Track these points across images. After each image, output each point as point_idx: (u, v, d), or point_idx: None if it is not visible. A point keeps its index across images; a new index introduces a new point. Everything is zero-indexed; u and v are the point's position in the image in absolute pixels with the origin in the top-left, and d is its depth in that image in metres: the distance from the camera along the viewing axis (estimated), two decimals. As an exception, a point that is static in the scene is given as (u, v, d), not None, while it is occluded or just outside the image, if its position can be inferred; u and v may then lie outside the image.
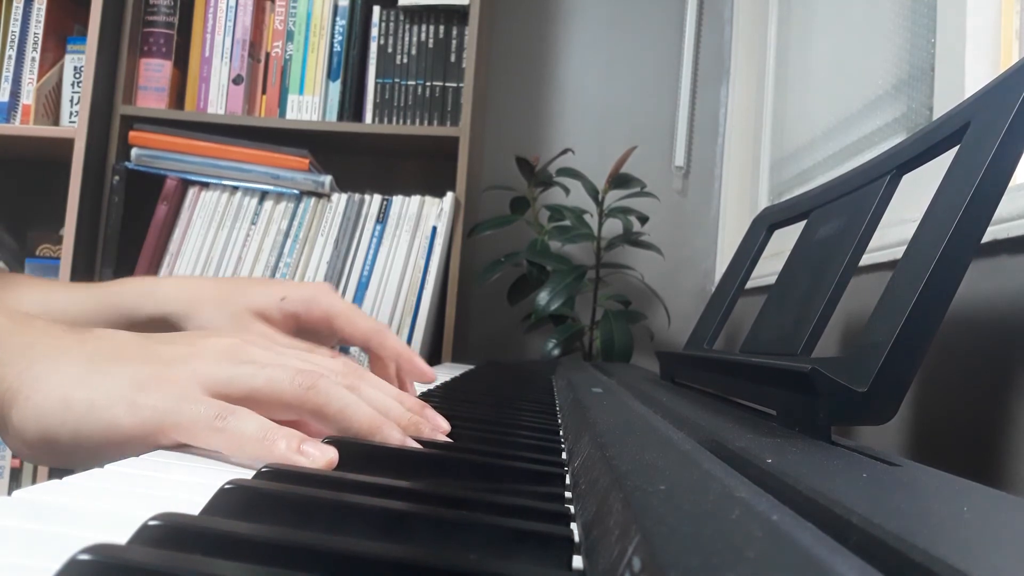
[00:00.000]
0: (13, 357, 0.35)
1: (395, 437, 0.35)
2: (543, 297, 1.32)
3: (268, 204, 1.41)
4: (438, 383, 0.69)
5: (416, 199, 1.40)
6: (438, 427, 0.39)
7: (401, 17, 1.47)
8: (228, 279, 0.67)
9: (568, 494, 0.28)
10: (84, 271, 1.41)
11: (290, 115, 1.46)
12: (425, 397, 0.56)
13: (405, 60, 1.46)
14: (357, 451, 0.32)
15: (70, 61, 1.49)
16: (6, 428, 0.34)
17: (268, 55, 1.49)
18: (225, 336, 0.39)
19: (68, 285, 0.63)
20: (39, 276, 1.50)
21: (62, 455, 0.33)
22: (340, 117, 1.46)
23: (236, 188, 1.42)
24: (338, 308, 0.59)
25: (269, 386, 0.35)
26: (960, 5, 0.74)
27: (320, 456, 0.31)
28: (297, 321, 0.61)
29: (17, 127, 1.43)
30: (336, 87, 1.46)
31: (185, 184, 1.43)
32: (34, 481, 1.45)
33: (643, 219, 1.45)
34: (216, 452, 0.32)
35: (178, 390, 0.33)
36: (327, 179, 1.40)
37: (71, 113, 1.48)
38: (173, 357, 0.36)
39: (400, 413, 0.38)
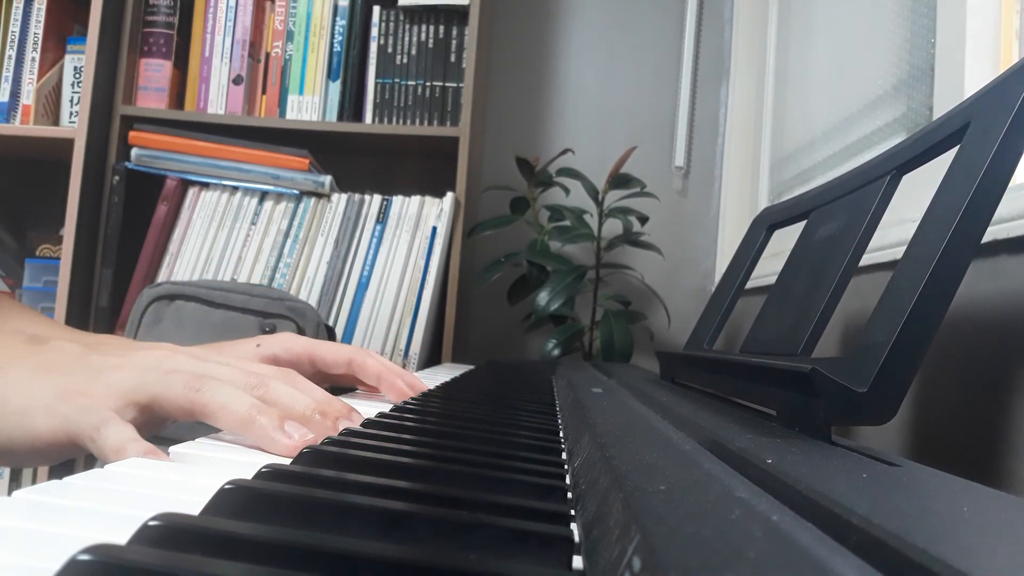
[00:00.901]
0: None
1: (267, 433, 0.35)
2: (543, 297, 1.32)
3: (268, 204, 1.41)
4: (438, 383, 0.69)
5: (416, 199, 1.40)
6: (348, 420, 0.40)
7: (401, 17, 1.47)
8: (203, 347, 0.65)
9: (568, 494, 0.28)
10: (84, 271, 1.41)
11: (290, 115, 1.46)
12: (426, 397, 0.56)
13: (405, 60, 1.46)
14: (357, 459, 0.32)
15: (70, 61, 1.49)
16: None
17: (268, 55, 1.49)
18: (158, 348, 0.42)
19: (55, 326, 0.63)
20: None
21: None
22: (340, 117, 1.46)
23: (236, 188, 1.42)
24: (316, 343, 0.59)
25: (164, 391, 0.38)
26: (960, 5, 0.74)
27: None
28: (277, 363, 0.60)
29: (17, 127, 1.43)
30: (336, 87, 1.46)
31: (185, 184, 1.43)
32: (34, 481, 1.45)
33: (643, 219, 1.45)
34: (215, 452, 0.32)
35: (89, 401, 0.37)
36: (327, 179, 1.40)
37: (71, 113, 1.48)
38: (102, 367, 0.39)
39: (303, 408, 0.39)
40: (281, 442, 0.35)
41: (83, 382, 0.38)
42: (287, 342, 0.59)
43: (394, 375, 0.59)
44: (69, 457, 0.38)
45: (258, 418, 0.36)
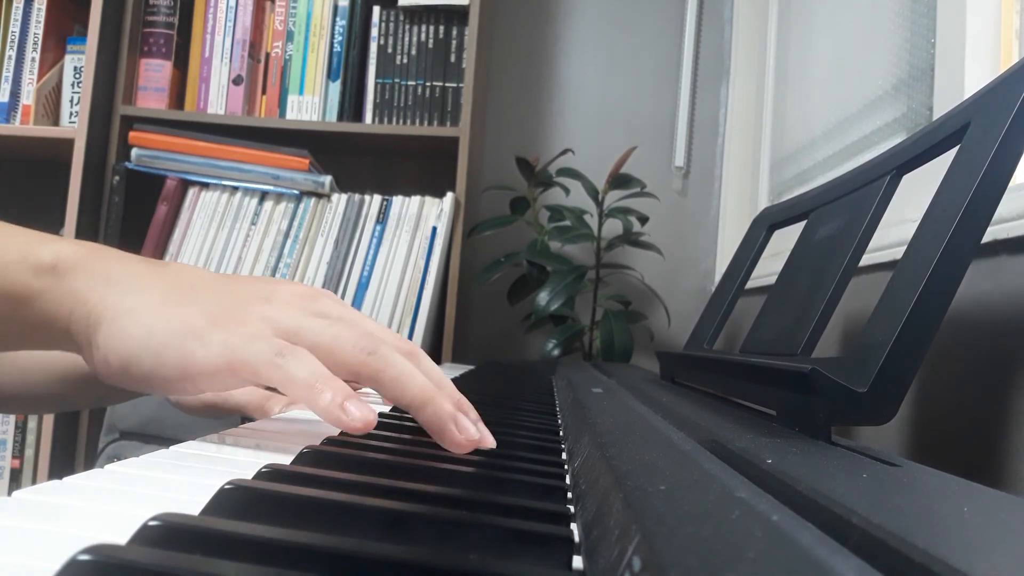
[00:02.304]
0: (93, 281, 0.36)
1: (446, 409, 0.34)
2: (543, 297, 1.32)
3: (268, 204, 1.41)
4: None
5: (416, 199, 1.40)
6: (478, 420, 0.38)
7: (401, 17, 1.47)
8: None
9: (568, 494, 0.28)
10: (84, 271, 1.41)
11: (290, 115, 1.46)
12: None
13: (405, 60, 1.46)
14: (357, 459, 0.32)
15: (70, 61, 1.49)
16: (91, 347, 0.35)
17: (268, 55, 1.49)
18: (299, 284, 0.40)
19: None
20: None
21: (138, 380, 0.35)
22: (340, 117, 1.46)
23: (236, 188, 1.42)
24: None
25: (334, 343, 0.35)
26: (960, 5, 0.74)
27: (359, 416, 0.32)
28: None
29: (17, 127, 1.43)
30: (336, 87, 1.46)
31: (185, 184, 1.43)
32: (34, 481, 1.45)
33: (643, 219, 1.45)
34: (216, 452, 0.32)
35: (248, 330, 0.34)
36: (327, 179, 1.40)
37: (71, 113, 1.48)
38: (247, 296, 0.37)
39: (453, 390, 0.37)
40: (464, 428, 0.34)
41: (235, 310, 0.35)
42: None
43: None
44: (226, 388, 0.34)
45: (437, 399, 0.34)
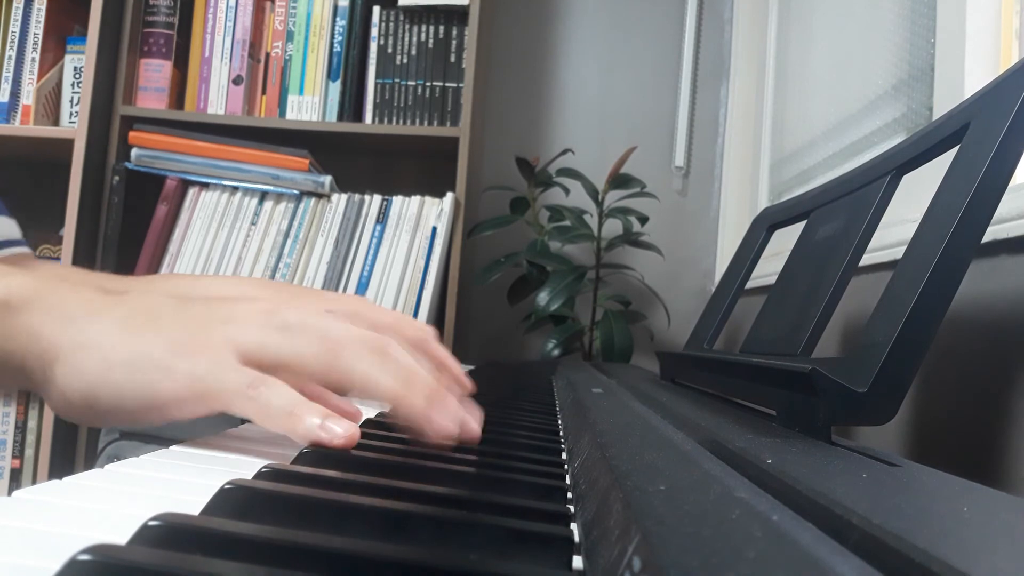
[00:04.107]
0: (50, 315, 0.35)
1: (416, 406, 0.34)
2: (543, 297, 1.32)
3: (268, 204, 1.41)
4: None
5: (416, 199, 1.40)
6: (472, 413, 0.37)
7: (401, 17, 1.47)
8: (273, 283, 0.64)
9: (568, 494, 0.28)
10: (84, 271, 1.41)
11: (290, 115, 1.46)
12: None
13: (405, 60, 1.46)
14: (357, 459, 0.32)
15: (70, 61, 1.49)
16: (48, 384, 0.34)
17: (268, 55, 1.49)
18: (260, 300, 0.39)
19: (108, 276, 0.61)
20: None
21: (102, 415, 0.34)
22: (340, 117, 1.46)
23: (236, 188, 1.42)
24: (386, 321, 0.54)
25: (296, 359, 0.35)
26: (960, 5, 0.74)
27: (342, 433, 0.32)
28: None
29: (17, 127, 1.43)
30: (336, 87, 1.46)
31: (185, 184, 1.43)
32: (34, 481, 1.45)
33: (643, 219, 1.45)
34: (216, 452, 0.32)
35: (213, 356, 0.34)
36: (327, 179, 1.40)
37: (71, 113, 1.48)
38: (208, 319, 0.36)
39: (426, 379, 0.36)
40: (438, 424, 0.34)
41: (195, 334, 0.34)
42: (354, 318, 0.55)
43: (456, 366, 0.57)
44: (195, 416, 0.34)
45: (406, 399, 0.34)
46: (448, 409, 0.35)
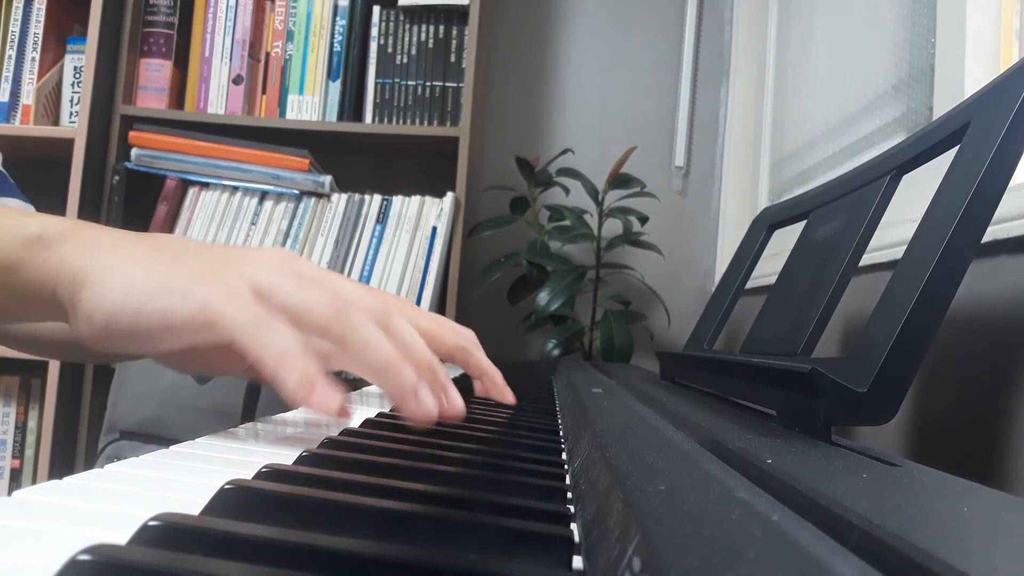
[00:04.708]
0: (78, 247, 0.37)
1: (406, 378, 0.35)
2: (543, 297, 1.32)
3: (268, 204, 1.41)
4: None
5: (416, 199, 1.40)
6: (457, 396, 0.38)
7: (401, 17, 1.47)
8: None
9: (568, 494, 0.28)
10: (84, 271, 1.41)
11: (290, 115, 1.46)
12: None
13: (405, 60, 1.46)
14: (357, 459, 0.32)
15: (70, 61, 1.49)
16: (75, 308, 0.36)
17: (268, 55, 1.49)
18: (278, 249, 0.40)
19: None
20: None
21: (121, 339, 0.36)
22: (340, 117, 1.46)
23: (236, 188, 1.42)
24: (424, 324, 0.52)
25: (304, 305, 0.36)
26: (960, 5, 0.74)
27: (328, 401, 0.32)
28: None
29: (17, 127, 1.43)
30: (336, 87, 1.46)
31: (185, 184, 1.43)
32: (34, 481, 1.45)
33: (643, 219, 1.45)
34: (216, 452, 0.32)
35: (229, 288, 0.35)
36: (327, 179, 1.40)
37: (71, 113, 1.48)
38: (227, 259, 0.37)
39: (421, 354, 0.37)
40: (422, 405, 0.34)
41: (215, 268, 0.36)
42: (413, 313, 0.53)
43: (497, 374, 0.55)
44: (204, 343, 0.35)
45: (397, 367, 0.35)
46: (440, 386, 0.36)
